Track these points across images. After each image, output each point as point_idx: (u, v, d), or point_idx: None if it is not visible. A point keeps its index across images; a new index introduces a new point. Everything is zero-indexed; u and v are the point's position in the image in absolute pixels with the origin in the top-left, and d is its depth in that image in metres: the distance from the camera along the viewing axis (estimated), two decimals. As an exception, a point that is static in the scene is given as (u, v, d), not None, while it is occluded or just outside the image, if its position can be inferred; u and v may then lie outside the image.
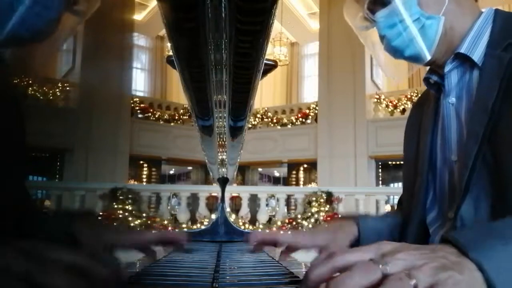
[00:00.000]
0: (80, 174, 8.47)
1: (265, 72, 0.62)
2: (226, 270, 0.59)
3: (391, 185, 9.66)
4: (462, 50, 0.74)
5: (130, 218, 6.15)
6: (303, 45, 13.69)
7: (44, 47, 0.67)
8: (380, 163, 9.27)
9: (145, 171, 11.05)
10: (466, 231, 0.47)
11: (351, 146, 8.98)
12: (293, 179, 11.67)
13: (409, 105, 8.49)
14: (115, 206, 6.14)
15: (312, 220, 6.32)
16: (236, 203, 9.38)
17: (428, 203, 0.82)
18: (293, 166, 11.35)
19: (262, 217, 6.69)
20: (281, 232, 0.81)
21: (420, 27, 0.74)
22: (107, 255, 0.63)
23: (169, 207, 6.87)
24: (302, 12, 12.47)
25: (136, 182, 10.18)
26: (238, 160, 1.08)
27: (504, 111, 0.65)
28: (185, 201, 6.70)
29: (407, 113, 1.08)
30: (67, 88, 8.75)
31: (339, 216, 5.91)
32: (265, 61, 0.50)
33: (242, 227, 4.67)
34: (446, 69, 0.78)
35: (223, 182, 1.15)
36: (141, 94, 11.97)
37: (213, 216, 1.20)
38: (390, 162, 9.18)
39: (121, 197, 6.20)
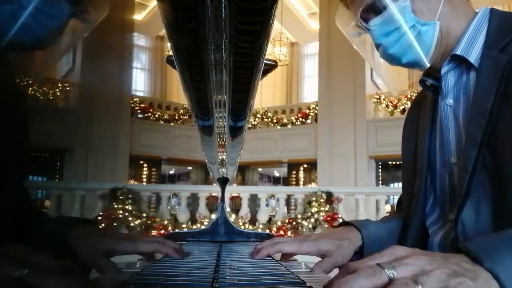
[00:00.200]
0: (80, 174, 8.47)
1: (265, 72, 0.62)
2: (226, 270, 0.59)
3: (391, 185, 9.66)
4: (458, 51, 0.74)
5: (130, 218, 6.15)
6: (303, 45, 13.69)
7: (48, 53, 0.67)
8: (380, 163, 9.28)
9: (145, 171, 11.05)
10: (478, 240, 0.47)
11: (351, 146, 8.98)
12: (293, 179, 11.67)
13: (409, 105, 8.47)
14: (115, 206, 6.14)
15: (312, 220, 6.31)
16: (236, 203, 9.38)
17: (429, 205, 0.81)
18: (293, 166, 11.36)
19: (262, 217, 6.69)
20: (284, 239, 0.80)
21: (416, 33, 0.73)
22: (102, 262, 0.63)
23: (169, 207, 6.87)
24: (302, 12, 12.47)
25: (136, 182, 10.18)
26: (238, 160, 1.08)
27: (502, 113, 0.65)
28: (185, 201, 6.70)
29: (407, 113, 1.09)
30: (67, 88, 8.75)
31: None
32: (265, 61, 0.49)
33: (242, 227, 4.67)
34: (443, 71, 0.77)
35: (223, 182, 1.15)
36: (141, 94, 11.98)
37: (213, 216, 1.20)
38: (390, 162, 9.18)
39: (121, 197, 6.20)
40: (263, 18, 0.38)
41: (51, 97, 8.50)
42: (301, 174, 11.67)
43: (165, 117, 10.30)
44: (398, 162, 8.72)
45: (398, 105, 8.77)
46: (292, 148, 10.03)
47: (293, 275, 0.54)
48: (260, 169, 12.26)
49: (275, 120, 10.55)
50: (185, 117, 10.31)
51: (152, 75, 13.21)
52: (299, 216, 6.48)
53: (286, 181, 11.81)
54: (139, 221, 6.21)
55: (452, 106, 0.76)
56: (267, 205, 7.16)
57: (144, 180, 10.92)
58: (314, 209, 6.36)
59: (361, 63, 8.96)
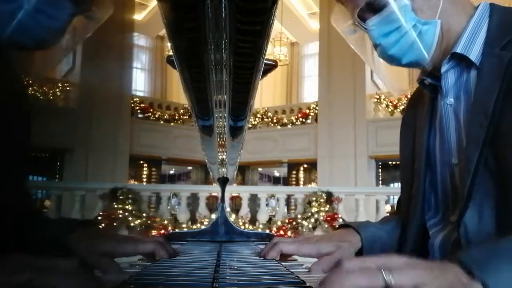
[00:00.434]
0: (80, 174, 8.46)
1: (265, 72, 0.62)
2: (226, 270, 0.59)
3: (391, 185, 9.66)
4: (458, 49, 0.71)
5: (130, 218, 6.14)
6: (303, 45, 13.69)
7: (50, 53, 0.67)
8: (380, 163, 9.27)
9: (145, 171, 11.05)
10: (473, 251, 0.46)
11: (351, 146, 8.98)
12: (293, 179, 11.67)
13: (409, 105, 8.46)
14: (115, 206, 6.13)
15: (312, 220, 6.31)
16: (236, 203, 9.38)
17: (429, 206, 0.80)
18: (293, 166, 11.35)
19: (262, 217, 6.68)
20: (285, 239, 0.79)
21: (417, 33, 0.70)
22: (103, 262, 0.63)
23: (169, 207, 6.87)
24: (302, 12, 12.47)
25: (136, 182, 10.18)
26: (238, 160, 1.08)
27: (505, 112, 0.63)
28: (185, 201, 6.69)
29: (407, 113, 1.09)
30: (67, 88, 8.74)
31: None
32: (265, 61, 0.49)
33: (242, 227, 4.66)
34: (443, 69, 0.74)
35: (223, 182, 1.15)
36: (141, 94, 11.97)
37: (213, 216, 1.20)
38: (390, 162, 9.18)
39: (121, 197, 6.19)
40: (263, 18, 0.38)
41: (51, 97, 8.49)
42: (301, 174, 11.66)
43: (165, 117, 10.29)
44: (398, 162, 8.62)
45: (398, 105, 8.76)
46: (292, 148, 10.03)
47: (293, 275, 0.54)
48: (260, 169, 12.26)
49: (275, 120, 10.55)
50: (185, 117, 10.30)
51: (152, 75, 13.21)
52: (299, 216, 6.48)
53: (286, 181, 11.81)
54: (139, 221, 6.20)
55: (453, 105, 0.74)
56: (267, 205, 7.15)
57: (144, 180, 10.92)
58: (314, 209, 6.36)
59: (361, 63, 8.95)
